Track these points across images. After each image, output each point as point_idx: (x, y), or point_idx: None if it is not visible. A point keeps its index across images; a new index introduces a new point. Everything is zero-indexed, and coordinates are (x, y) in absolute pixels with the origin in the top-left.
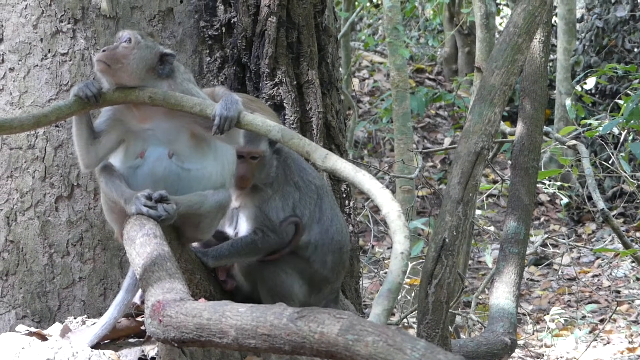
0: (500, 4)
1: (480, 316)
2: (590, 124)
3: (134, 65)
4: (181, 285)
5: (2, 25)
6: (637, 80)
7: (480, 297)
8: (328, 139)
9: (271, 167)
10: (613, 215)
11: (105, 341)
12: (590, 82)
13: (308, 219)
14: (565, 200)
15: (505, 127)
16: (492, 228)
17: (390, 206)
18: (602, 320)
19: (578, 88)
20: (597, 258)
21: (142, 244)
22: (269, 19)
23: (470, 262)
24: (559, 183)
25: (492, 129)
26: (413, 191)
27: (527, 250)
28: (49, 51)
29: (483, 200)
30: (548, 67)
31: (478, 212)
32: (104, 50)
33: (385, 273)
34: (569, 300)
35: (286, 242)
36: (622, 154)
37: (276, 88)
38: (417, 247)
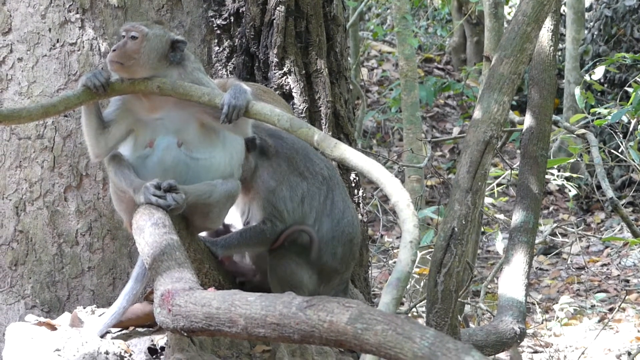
0: None
1: (489, 305)
2: (599, 113)
3: (146, 58)
4: (190, 274)
5: (11, 16)
6: None
7: (489, 286)
8: (337, 128)
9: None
10: (622, 204)
11: (115, 330)
12: (599, 72)
13: (317, 212)
14: (573, 191)
15: (514, 116)
16: (502, 216)
17: (399, 195)
18: (611, 309)
19: (587, 77)
20: (606, 247)
21: (151, 233)
22: (278, 8)
23: (479, 251)
24: (567, 174)
25: (500, 118)
26: (422, 180)
27: (537, 240)
28: (58, 41)
29: (493, 188)
30: (557, 56)
31: (488, 200)
32: (114, 50)
33: (395, 262)
34: (578, 290)
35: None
36: (632, 143)
37: (285, 77)
38: (428, 237)
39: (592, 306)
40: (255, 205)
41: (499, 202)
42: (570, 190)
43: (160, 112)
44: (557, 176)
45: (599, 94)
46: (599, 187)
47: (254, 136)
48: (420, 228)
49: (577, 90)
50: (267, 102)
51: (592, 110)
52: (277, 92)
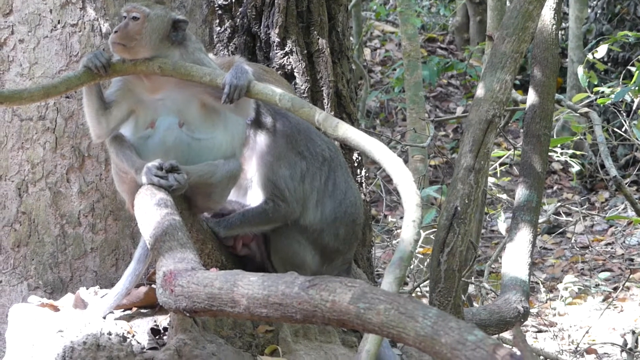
0: None
1: (492, 284)
2: (602, 92)
3: (148, 38)
4: (193, 255)
5: None
6: None
7: (493, 265)
8: (339, 108)
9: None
10: (626, 183)
11: (118, 311)
12: (602, 51)
13: (319, 193)
14: (577, 167)
15: (517, 95)
16: (504, 196)
17: (402, 175)
18: (615, 288)
19: (590, 56)
20: (610, 226)
21: (153, 214)
22: None
23: (483, 230)
24: (571, 151)
25: (503, 97)
26: (425, 160)
27: (540, 219)
28: (59, 22)
29: (496, 168)
30: (560, 35)
31: (491, 180)
32: (115, 32)
33: (398, 242)
34: (582, 269)
35: (297, 212)
36: (635, 122)
37: (286, 57)
38: (430, 215)
39: (597, 285)
40: (256, 184)
41: (502, 181)
42: (573, 167)
43: (162, 92)
44: (561, 153)
45: (602, 72)
46: (602, 166)
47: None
48: (423, 207)
49: (580, 69)
50: (269, 82)
51: (595, 90)
52: (279, 72)
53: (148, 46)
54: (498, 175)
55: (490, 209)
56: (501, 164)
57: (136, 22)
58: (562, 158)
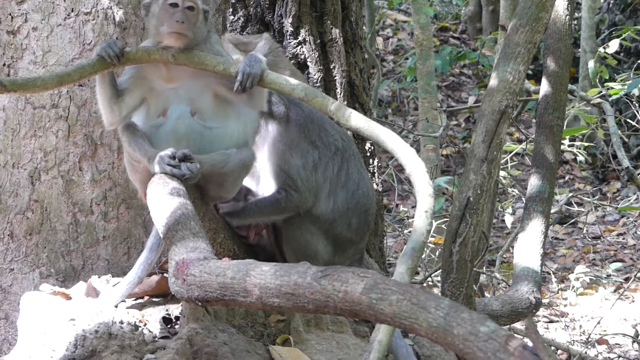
0: None
1: (504, 275)
2: (612, 88)
3: (199, 30)
4: (205, 244)
5: None
6: None
7: (504, 255)
8: (352, 98)
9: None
10: (638, 174)
11: (130, 300)
12: (614, 45)
13: (332, 183)
14: (581, 158)
15: (529, 85)
16: (515, 191)
17: (414, 165)
18: (627, 279)
19: (601, 50)
20: (622, 216)
21: (165, 203)
22: None
23: (494, 220)
24: (586, 144)
25: (516, 87)
26: (437, 150)
27: (552, 209)
28: (72, 10)
29: (507, 161)
30: (573, 25)
31: (503, 173)
32: (177, 21)
33: (410, 232)
34: (594, 259)
35: (310, 202)
36: None
37: (300, 47)
38: (438, 204)
39: (608, 276)
40: (268, 173)
41: (513, 172)
42: (584, 157)
43: (178, 82)
44: (569, 145)
45: (617, 63)
46: (614, 156)
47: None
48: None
49: (591, 64)
50: (283, 68)
51: (606, 84)
52: (292, 61)
53: (194, 36)
54: (509, 168)
55: (501, 200)
56: (515, 155)
57: (192, 12)
58: (574, 150)
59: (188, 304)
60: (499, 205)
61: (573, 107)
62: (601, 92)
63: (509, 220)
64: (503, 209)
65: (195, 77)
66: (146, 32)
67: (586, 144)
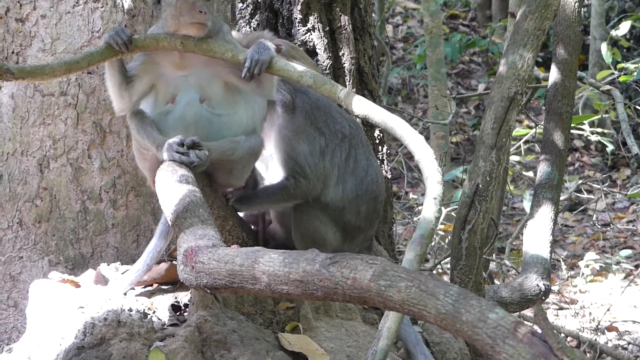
0: None
1: (514, 262)
2: (626, 68)
3: (216, 19)
4: (214, 231)
5: None
6: None
7: (514, 242)
8: (361, 85)
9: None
10: None
11: (139, 287)
12: (624, 28)
13: (340, 170)
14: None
15: (539, 72)
16: (530, 173)
17: (423, 152)
18: (637, 266)
19: (613, 33)
20: (632, 204)
21: (174, 190)
22: None
23: (504, 207)
24: (599, 130)
25: (525, 74)
26: (447, 137)
27: (562, 196)
28: None
29: (520, 147)
30: (582, 12)
31: (515, 157)
32: (201, 12)
33: (419, 219)
34: (604, 246)
35: (319, 188)
36: None
37: (309, 34)
38: (457, 196)
39: (618, 263)
40: (276, 161)
41: (525, 159)
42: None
43: (190, 69)
44: (591, 132)
45: (624, 50)
46: (624, 143)
47: None
48: (447, 188)
49: (604, 46)
50: (296, 59)
51: (618, 66)
52: (301, 48)
53: (213, 26)
54: (522, 153)
55: (512, 187)
56: (524, 142)
57: (209, 2)
58: (594, 138)
59: (197, 291)
60: (510, 192)
61: (583, 90)
62: (613, 74)
63: (527, 205)
64: (513, 196)
65: (206, 65)
66: (155, 20)
67: (602, 131)
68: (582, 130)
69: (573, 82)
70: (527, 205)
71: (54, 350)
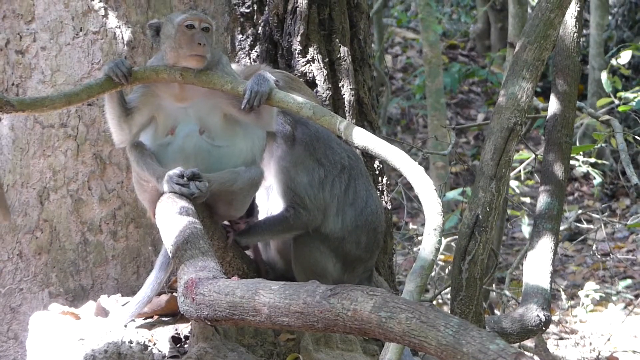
0: None
1: (514, 292)
2: (626, 97)
3: (214, 50)
4: (214, 263)
5: (34, 4)
6: None
7: (514, 273)
8: (360, 116)
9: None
10: None
11: (139, 319)
12: (625, 57)
13: (339, 201)
14: (598, 179)
15: (538, 102)
16: (527, 199)
17: (422, 182)
18: (637, 296)
19: (614, 61)
20: (632, 233)
21: (174, 222)
22: None
23: (504, 237)
24: (592, 160)
25: (524, 105)
26: (446, 167)
27: (561, 226)
28: (81, 29)
29: (520, 171)
30: (581, 43)
31: (514, 183)
32: (200, 44)
33: (419, 249)
34: (604, 276)
35: (319, 219)
36: None
37: (308, 65)
38: (451, 221)
39: (618, 292)
40: (276, 192)
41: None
42: (595, 178)
43: (190, 101)
44: (582, 162)
45: (624, 79)
46: (624, 173)
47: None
48: (445, 212)
49: (604, 75)
50: (296, 91)
51: (618, 95)
52: (301, 79)
53: (212, 58)
54: (522, 178)
55: (514, 212)
56: (528, 172)
57: (208, 33)
58: (584, 168)
59: (197, 323)
60: (509, 222)
61: (582, 122)
62: (613, 102)
63: (526, 230)
64: (512, 225)
65: (206, 96)
66: (154, 51)
67: (599, 161)
68: (576, 160)
69: (572, 112)
70: (525, 229)
71: None
